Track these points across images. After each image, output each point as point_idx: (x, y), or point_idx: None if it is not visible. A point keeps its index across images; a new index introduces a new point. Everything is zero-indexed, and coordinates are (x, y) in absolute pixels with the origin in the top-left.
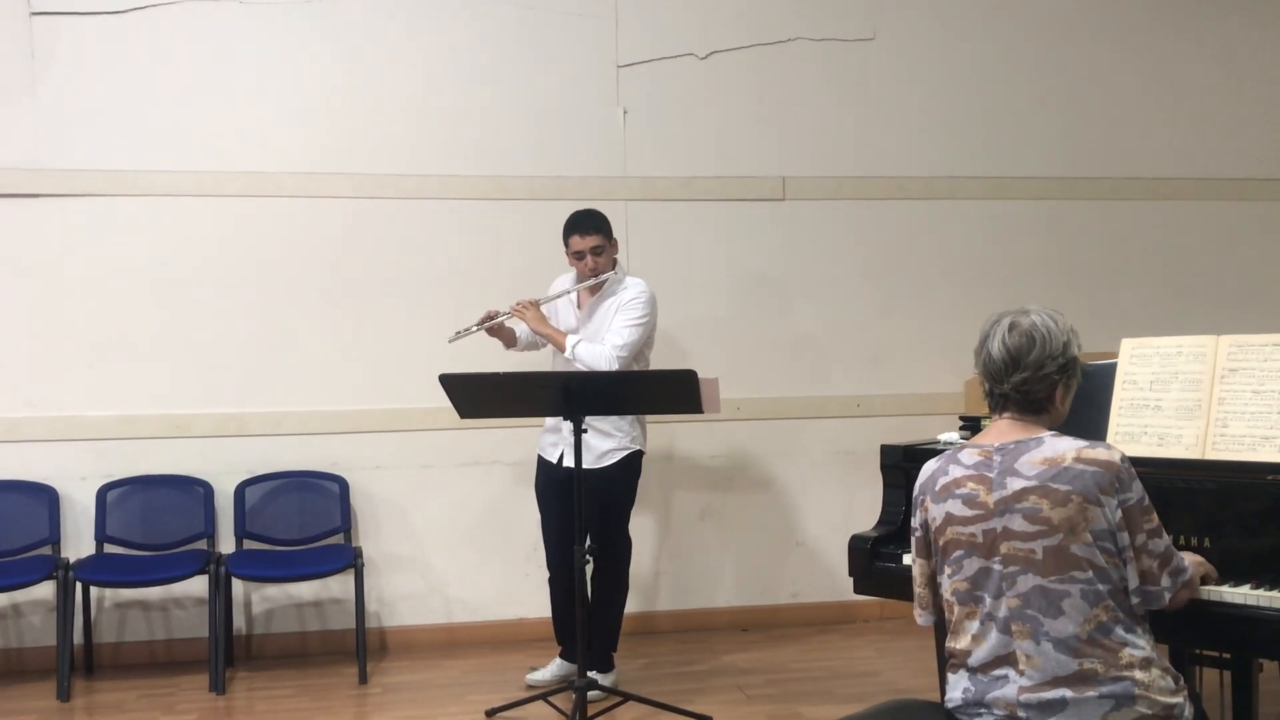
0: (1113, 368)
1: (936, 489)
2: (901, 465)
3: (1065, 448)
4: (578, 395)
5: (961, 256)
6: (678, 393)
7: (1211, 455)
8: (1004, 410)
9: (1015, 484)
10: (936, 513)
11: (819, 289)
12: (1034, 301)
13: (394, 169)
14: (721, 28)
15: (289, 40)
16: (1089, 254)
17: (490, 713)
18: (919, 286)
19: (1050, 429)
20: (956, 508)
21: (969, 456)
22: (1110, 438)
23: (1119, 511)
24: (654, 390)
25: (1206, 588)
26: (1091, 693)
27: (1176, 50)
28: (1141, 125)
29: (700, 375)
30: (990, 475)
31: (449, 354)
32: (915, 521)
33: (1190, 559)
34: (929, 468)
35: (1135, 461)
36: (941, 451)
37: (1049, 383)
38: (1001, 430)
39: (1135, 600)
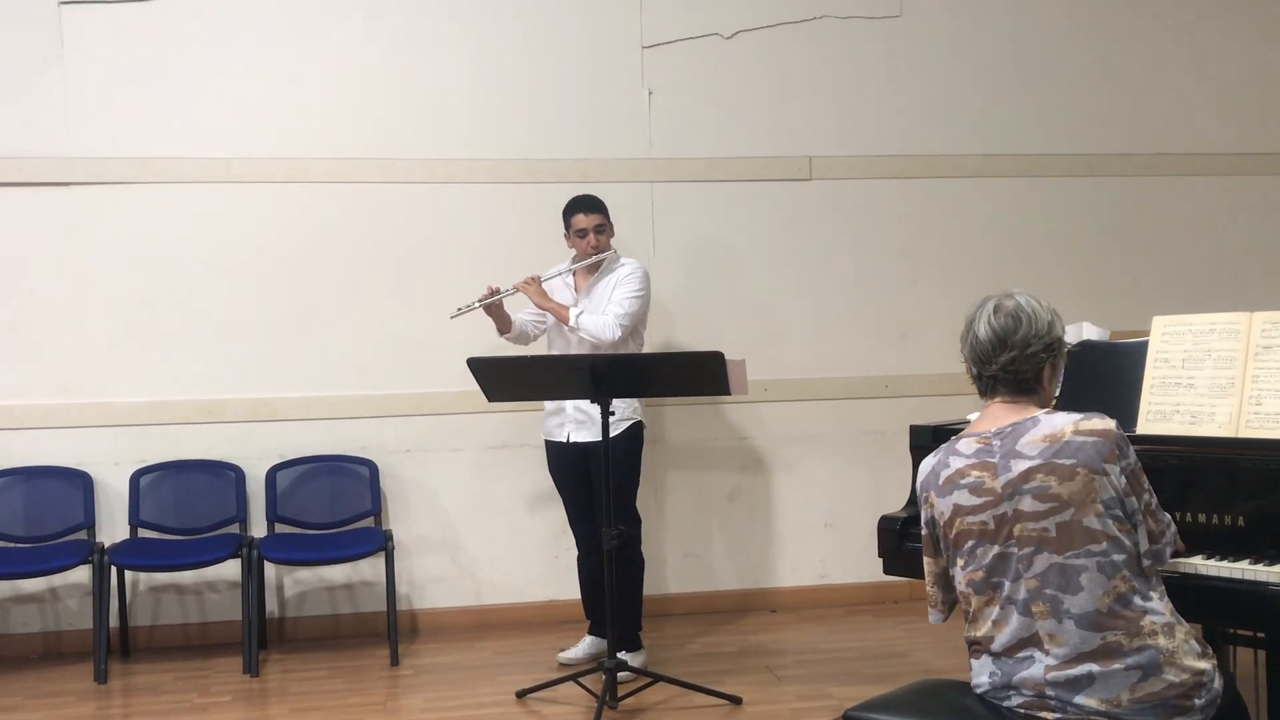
0: (1144, 345)
1: (940, 483)
2: (931, 446)
3: (1062, 422)
4: (605, 378)
5: (990, 235)
6: (705, 375)
7: (1245, 433)
8: (994, 394)
9: (1020, 465)
10: (944, 506)
11: (846, 269)
12: (1067, 280)
13: (422, 153)
14: (746, 7)
15: (317, 27)
16: (1120, 231)
17: (521, 694)
18: (947, 266)
19: (1040, 410)
20: (964, 498)
21: (967, 446)
22: (1142, 416)
23: (1123, 477)
24: (682, 372)
25: (1240, 565)
26: (1118, 665)
27: (1208, 24)
28: (1173, 100)
29: (728, 357)
30: (993, 461)
31: (476, 339)
32: (922, 520)
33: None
34: (927, 464)
35: (1168, 440)
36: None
37: (1036, 362)
38: (995, 415)
39: (1147, 562)
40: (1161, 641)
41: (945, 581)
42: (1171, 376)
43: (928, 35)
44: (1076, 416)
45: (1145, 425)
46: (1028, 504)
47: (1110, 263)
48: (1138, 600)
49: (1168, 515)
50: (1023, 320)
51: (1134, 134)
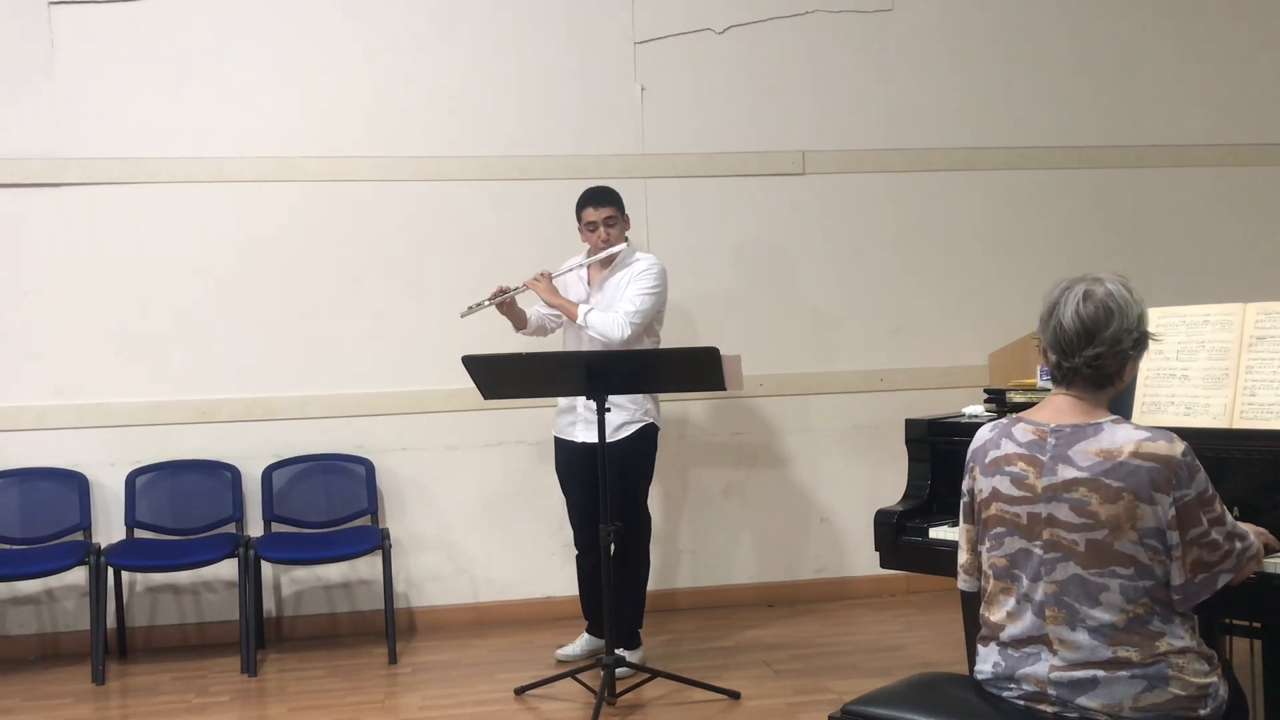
0: None
1: (986, 461)
2: (926, 439)
3: (1124, 440)
4: (600, 374)
5: (983, 228)
6: (701, 370)
7: (1240, 424)
8: (1070, 385)
9: (1067, 472)
10: (984, 485)
11: (840, 263)
12: (1059, 272)
13: (413, 151)
14: (738, 2)
15: (308, 25)
16: (1113, 223)
17: (519, 691)
18: (940, 259)
19: (1109, 405)
20: (1004, 485)
21: (1023, 433)
22: (1136, 408)
23: (1172, 510)
24: (677, 368)
25: None
26: (1124, 673)
27: (1199, 15)
28: (1164, 92)
29: (723, 352)
30: (1042, 459)
31: (471, 336)
32: (964, 486)
33: (1250, 530)
34: (982, 435)
35: None
36: (969, 424)
37: (1122, 357)
38: (1059, 409)
39: (1176, 598)
40: (1173, 659)
41: (978, 550)
42: (1166, 368)
43: (919, 29)
44: (1142, 435)
45: (1139, 417)
46: (1064, 513)
47: (1103, 255)
48: (1156, 622)
49: (1240, 543)
50: (1114, 313)
51: (1125, 126)
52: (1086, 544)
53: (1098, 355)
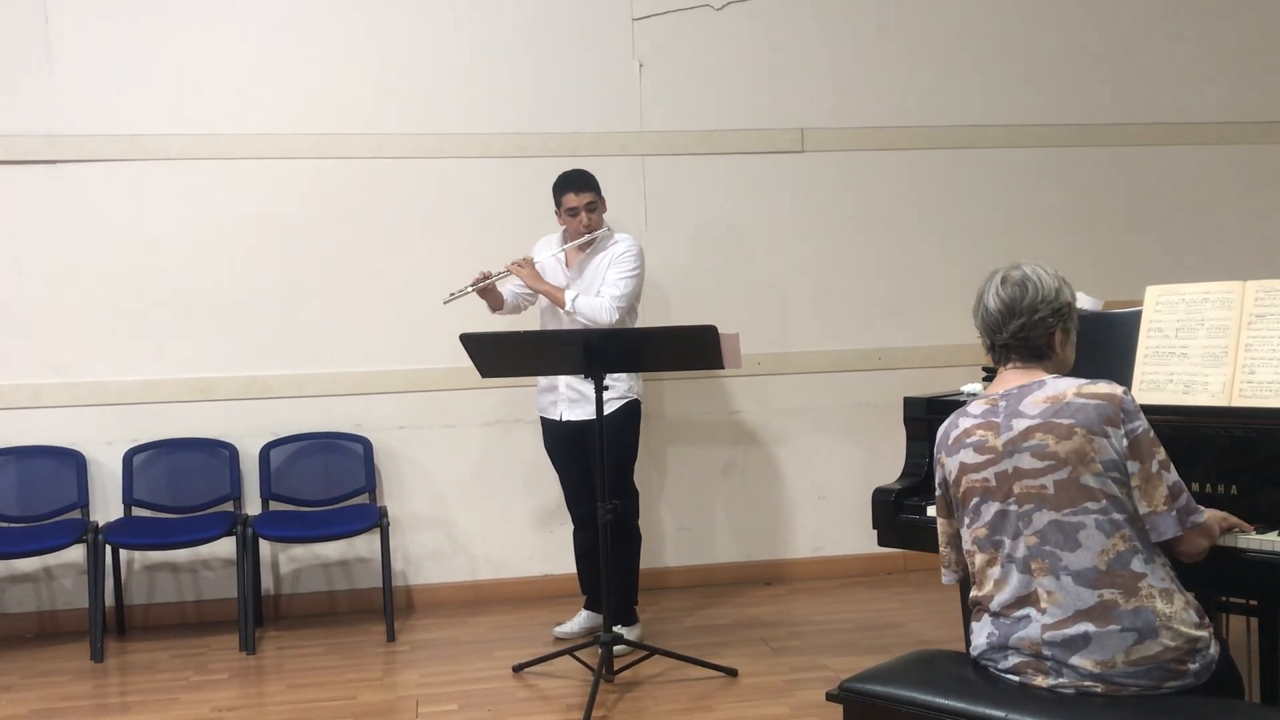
0: (1138, 315)
1: (949, 442)
2: (924, 418)
3: (1066, 386)
4: (598, 353)
5: (983, 206)
6: (699, 349)
7: (1238, 402)
8: (1007, 361)
9: (1020, 424)
10: (951, 465)
11: (838, 241)
12: (1060, 250)
13: (411, 129)
14: None
15: (304, 2)
16: (1112, 201)
17: (518, 668)
18: (939, 237)
19: (1051, 375)
20: (969, 456)
21: (977, 407)
22: (1135, 386)
23: (1125, 440)
24: (675, 346)
25: (1233, 534)
26: (1114, 626)
27: None
28: (1163, 69)
29: (721, 331)
30: (997, 420)
31: (469, 314)
32: (936, 479)
33: (1212, 514)
34: (942, 427)
35: (1161, 410)
36: (962, 405)
37: (1045, 327)
38: (1006, 379)
39: (1148, 528)
40: (1159, 605)
41: (957, 543)
42: (1165, 346)
43: (919, 7)
44: (1082, 381)
45: (1138, 395)
46: (1027, 461)
47: (1104, 232)
48: (1137, 562)
49: (1186, 496)
50: (1029, 288)
51: (1127, 103)
52: (1055, 485)
53: (1021, 327)
